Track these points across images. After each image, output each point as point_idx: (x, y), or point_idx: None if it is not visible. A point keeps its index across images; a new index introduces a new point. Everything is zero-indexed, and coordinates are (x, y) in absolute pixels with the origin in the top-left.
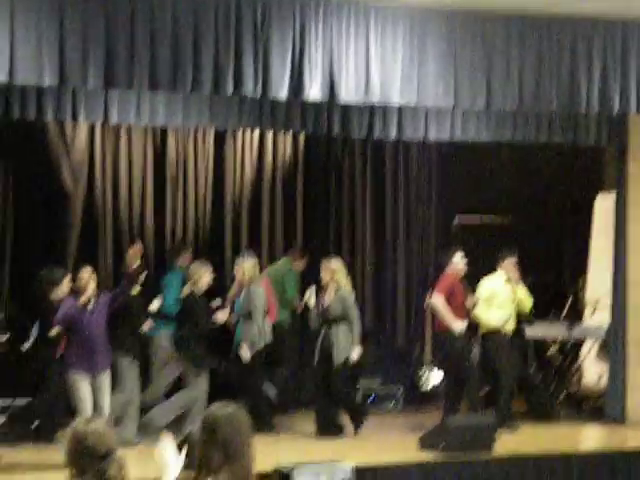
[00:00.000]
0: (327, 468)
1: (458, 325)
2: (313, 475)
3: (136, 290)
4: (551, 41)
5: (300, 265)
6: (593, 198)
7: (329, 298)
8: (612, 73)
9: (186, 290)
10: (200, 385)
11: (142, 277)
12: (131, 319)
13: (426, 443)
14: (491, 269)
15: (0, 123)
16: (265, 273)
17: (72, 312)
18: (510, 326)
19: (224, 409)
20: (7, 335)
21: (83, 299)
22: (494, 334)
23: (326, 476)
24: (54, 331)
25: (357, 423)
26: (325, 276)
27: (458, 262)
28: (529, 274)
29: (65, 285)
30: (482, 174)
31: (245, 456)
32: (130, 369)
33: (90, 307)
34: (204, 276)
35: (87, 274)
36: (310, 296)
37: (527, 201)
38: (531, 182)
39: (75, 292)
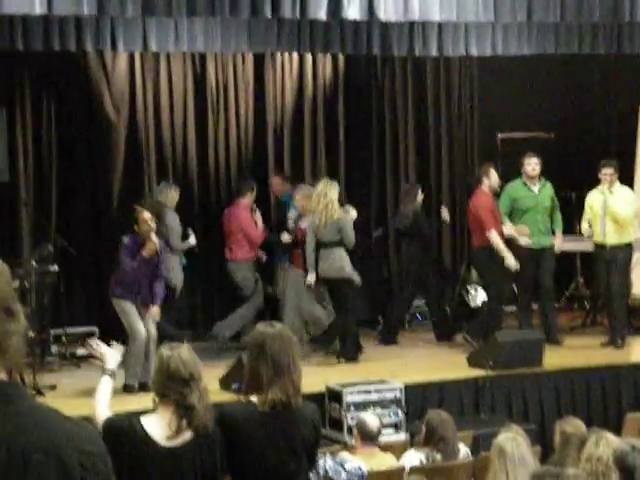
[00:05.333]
0: (377, 387)
1: (512, 263)
2: (363, 394)
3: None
4: None
5: None
6: (637, 110)
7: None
8: None
9: None
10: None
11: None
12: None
13: (475, 361)
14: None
15: (41, 55)
16: None
17: (136, 264)
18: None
19: (272, 327)
20: (55, 267)
21: (147, 253)
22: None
23: (376, 395)
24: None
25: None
26: None
27: (495, 180)
28: (574, 189)
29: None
30: (524, 90)
31: (293, 372)
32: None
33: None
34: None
35: (149, 222)
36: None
37: (571, 115)
38: (574, 96)
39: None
